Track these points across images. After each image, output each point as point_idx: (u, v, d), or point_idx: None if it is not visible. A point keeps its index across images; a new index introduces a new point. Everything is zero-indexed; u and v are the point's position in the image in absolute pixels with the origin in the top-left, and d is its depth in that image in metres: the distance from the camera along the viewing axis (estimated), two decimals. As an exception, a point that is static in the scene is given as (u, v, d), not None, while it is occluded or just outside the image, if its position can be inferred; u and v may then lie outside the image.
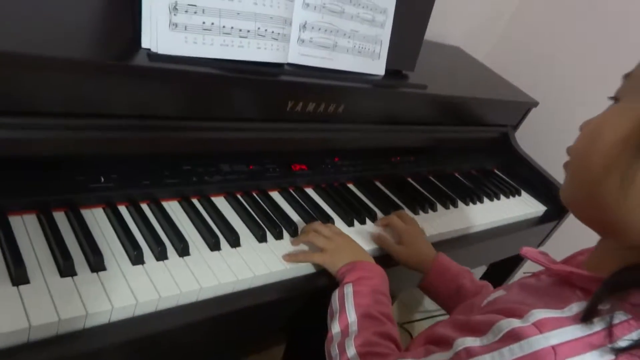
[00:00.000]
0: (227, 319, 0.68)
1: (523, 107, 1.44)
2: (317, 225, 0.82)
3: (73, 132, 0.68)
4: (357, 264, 0.75)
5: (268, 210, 0.87)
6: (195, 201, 0.81)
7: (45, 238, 0.64)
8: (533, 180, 1.41)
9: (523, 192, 1.38)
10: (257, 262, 0.75)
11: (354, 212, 0.95)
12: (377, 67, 1.06)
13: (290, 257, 0.77)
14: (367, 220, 0.96)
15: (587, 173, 0.50)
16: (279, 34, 0.84)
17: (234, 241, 0.77)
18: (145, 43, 0.73)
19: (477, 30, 1.73)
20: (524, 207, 1.31)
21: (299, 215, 0.89)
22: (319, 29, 0.91)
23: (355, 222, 0.94)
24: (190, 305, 0.66)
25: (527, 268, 1.35)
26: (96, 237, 0.66)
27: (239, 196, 0.87)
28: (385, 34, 1.04)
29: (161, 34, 0.73)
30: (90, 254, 0.63)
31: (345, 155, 1.07)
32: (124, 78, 0.69)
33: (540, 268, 0.58)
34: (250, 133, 0.88)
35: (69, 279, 0.60)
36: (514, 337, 0.46)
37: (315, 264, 0.78)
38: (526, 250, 0.61)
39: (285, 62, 0.87)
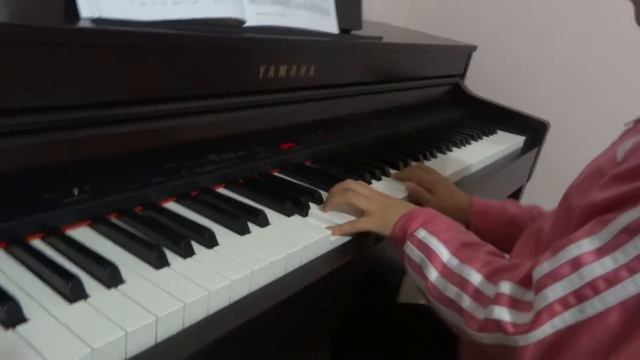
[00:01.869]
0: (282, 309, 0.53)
1: (464, 51, 1.42)
2: (351, 183, 0.69)
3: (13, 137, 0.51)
4: (413, 213, 0.63)
5: (281, 187, 0.73)
6: (196, 195, 0.66)
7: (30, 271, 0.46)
8: (501, 118, 1.39)
9: (498, 131, 1.34)
10: (297, 235, 0.60)
11: (369, 168, 0.84)
12: (331, 24, 0.97)
13: (335, 230, 0.63)
14: (382, 176, 0.85)
15: None
16: (231, -15, 0.73)
17: (263, 221, 0.62)
18: (85, 12, 0.58)
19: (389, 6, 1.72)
20: (504, 141, 1.27)
21: (315, 186, 0.76)
22: (268, -17, 0.81)
23: (372, 179, 0.83)
24: (246, 297, 0.51)
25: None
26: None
27: (240, 182, 0.73)
28: (329, -12, 0.97)
29: (102, -3, 0.59)
30: (102, 266, 0.46)
31: (328, 126, 0.96)
32: (69, 50, 0.53)
33: None
34: (227, 113, 0.75)
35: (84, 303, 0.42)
36: None
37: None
38: None
39: (244, 17, 0.76)
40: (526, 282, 0.48)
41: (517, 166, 1.23)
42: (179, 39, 0.63)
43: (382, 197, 0.68)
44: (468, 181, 1.01)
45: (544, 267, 0.45)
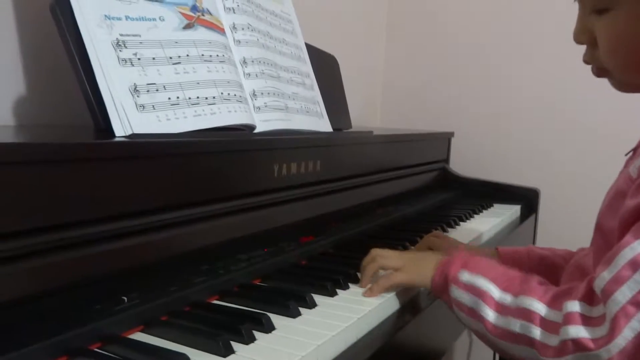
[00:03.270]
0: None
1: (445, 137, 1.53)
2: (377, 250, 0.71)
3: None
4: (449, 259, 0.65)
5: (316, 272, 0.74)
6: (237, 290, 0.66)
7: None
8: (492, 192, 1.45)
9: (494, 204, 1.40)
10: (349, 311, 0.60)
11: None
12: (325, 125, 1.05)
13: (370, 291, 0.64)
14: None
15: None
16: (240, 96, 0.80)
17: (310, 303, 0.62)
18: (118, 131, 0.63)
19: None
20: (503, 211, 1.32)
21: (347, 267, 0.77)
22: (268, 94, 0.89)
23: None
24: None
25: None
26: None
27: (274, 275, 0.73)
28: (318, 95, 1.06)
29: (132, 117, 0.64)
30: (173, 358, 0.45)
31: (339, 218, 0.99)
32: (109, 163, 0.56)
33: None
34: (250, 212, 0.78)
35: None
36: None
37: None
38: None
39: (254, 123, 0.82)
40: (589, 298, 0.49)
41: (522, 230, 1.27)
42: (203, 146, 0.68)
43: (412, 252, 0.70)
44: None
45: (604, 276, 0.47)
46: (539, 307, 0.52)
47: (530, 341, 0.52)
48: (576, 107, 1.54)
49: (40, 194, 0.49)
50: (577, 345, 0.47)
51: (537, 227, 1.40)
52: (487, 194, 1.44)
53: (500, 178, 1.50)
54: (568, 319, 0.49)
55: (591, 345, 0.46)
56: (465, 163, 1.59)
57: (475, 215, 1.24)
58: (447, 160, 1.56)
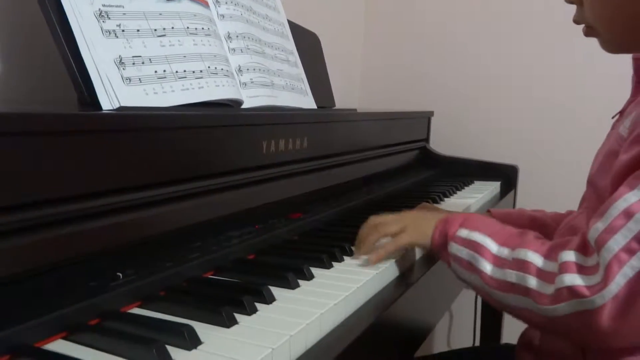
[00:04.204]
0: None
1: (425, 116, 1.53)
2: (376, 218, 0.71)
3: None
4: (448, 218, 0.65)
5: (310, 247, 0.74)
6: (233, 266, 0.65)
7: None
8: (472, 169, 1.47)
9: (475, 181, 1.42)
10: (345, 281, 0.60)
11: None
12: (310, 102, 1.04)
13: (378, 254, 0.64)
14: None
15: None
16: (227, 71, 0.78)
17: (308, 275, 0.62)
18: (105, 104, 0.61)
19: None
20: (484, 187, 1.34)
21: (339, 241, 0.77)
22: (254, 69, 0.87)
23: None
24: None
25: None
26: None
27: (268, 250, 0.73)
28: (302, 72, 1.05)
29: (119, 90, 0.62)
30: (178, 330, 0.44)
31: (327, 195, 0.99)
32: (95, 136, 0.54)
33: None
34: (241, 189, 0.77)
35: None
36: None
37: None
38: None
39: (241, 98, 0.80)
40: (584, 249, 0.50)
41: (503, 205, 1.29)
42: (198, 119, 0.66)
43: (411, 212, 0.71)
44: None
45: (598, 227, 0.48)
46: (535, 258, 0.53)
47: (526, 291, 0.53)
48: (552, 85, 1.57)
49: (30, 168, 0.47)
50: (572, 292, 0.48)
51: (516, 202, 1.43)
52: (467, 171, 1.46)
53: (480, 156, 1.52)
54: (563, 268, 0.50)
55: (586, 292, 0.47)
56: (445, 142, 1.60)
57: (457, 192, 1.26)
58: (427, 139, 1.57)
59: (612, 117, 0.65)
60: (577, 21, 0.62)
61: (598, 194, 0.57)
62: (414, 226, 0.67)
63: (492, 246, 0.58)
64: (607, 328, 0.47)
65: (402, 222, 0.68)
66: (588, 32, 0.62)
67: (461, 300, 1.31)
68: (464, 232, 0.61)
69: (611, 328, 0.47)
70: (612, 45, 0.61)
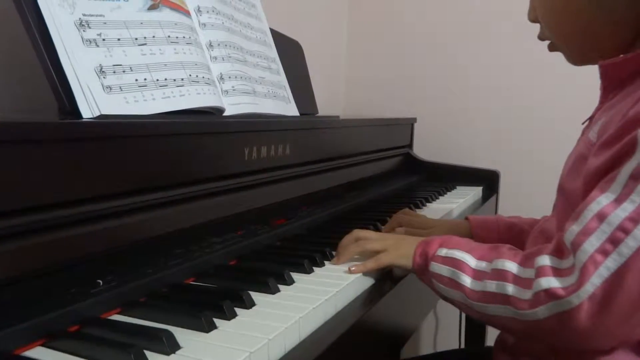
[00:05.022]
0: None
1: (408, 123, 1.55)
2: (360, 232, 0.72)
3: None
4: (427, 239, 0.66)
5: (293, 252, 0.75)
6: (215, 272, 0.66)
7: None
8: (454, 175, 1.49)
9: (457, 186, 1.43)
10: (323, 285, 0.61)
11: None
12: (292, 109, 1.05)
13: (358, 267, 0.65)
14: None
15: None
16: (209, 79, 0.79)
17: (288, 280, 0.62)
18: (85, 113, 0.61)
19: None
20: (466, 192, 1.36)
21: (321, 247, 0.77)
22: (236, 77, 0.88)
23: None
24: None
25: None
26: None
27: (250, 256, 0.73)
28: (284, 80, 1.06)
29: (99, 99, 0.63)
30: (156, 335, 0.45)
31: (309, 201, 1.00)
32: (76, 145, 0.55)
33: None
34: (223, 196, 0.77)
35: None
36: None
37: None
38: None
39: (223, 106, 0.81)
40: (559, 252, 0.52)
41: (485, 210, 1.31)
42: (177, 126, 0.67)
43: (393, 235, 0.71)
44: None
45: (574, 229, 0.50)
46: (511, 267, 0.55)
47: (506, 298, 0.54)
48: (532, 92, 1.60)
49: (9, 176, 0.48)
50: (549, 294, 0.50)
51: (498, 207, 1.45)
52: (450, 177, 1.48)
53: (462, 161, 1.54)
54: (540, 272, 0.51)
55: (562, 292, 0.49)
56: (428, 148, 1.62)
57: (440, 197, 1.28)
58: (410, 145, 1.58)
59: (582, 123, 0.67)
60: (541, 38, 0.65)
61: (566, 197, 0.59)
62: (395, 247, 0.68)
63: (470, 261, 0.59)
64: (586, 328, 0.49)
65: (384, 242, 0.69)
66: (551, 48, 0.64)
67: (447, 305, 1.33)
68: (443, 251, 0.62)
69: (590, 328, 0.49)
70: (575, 58, 0.64)
